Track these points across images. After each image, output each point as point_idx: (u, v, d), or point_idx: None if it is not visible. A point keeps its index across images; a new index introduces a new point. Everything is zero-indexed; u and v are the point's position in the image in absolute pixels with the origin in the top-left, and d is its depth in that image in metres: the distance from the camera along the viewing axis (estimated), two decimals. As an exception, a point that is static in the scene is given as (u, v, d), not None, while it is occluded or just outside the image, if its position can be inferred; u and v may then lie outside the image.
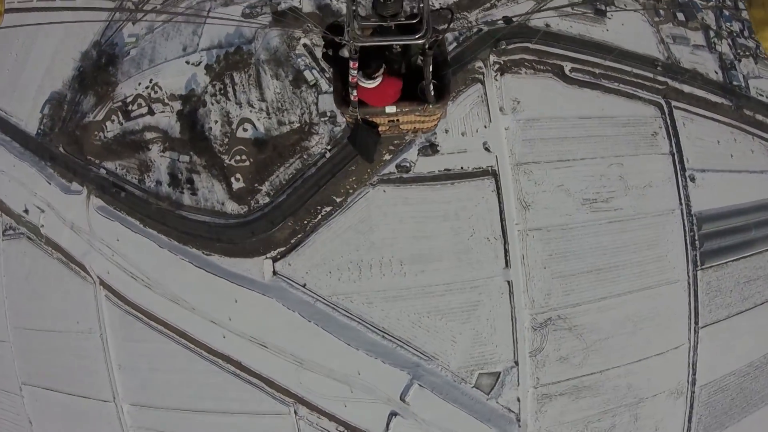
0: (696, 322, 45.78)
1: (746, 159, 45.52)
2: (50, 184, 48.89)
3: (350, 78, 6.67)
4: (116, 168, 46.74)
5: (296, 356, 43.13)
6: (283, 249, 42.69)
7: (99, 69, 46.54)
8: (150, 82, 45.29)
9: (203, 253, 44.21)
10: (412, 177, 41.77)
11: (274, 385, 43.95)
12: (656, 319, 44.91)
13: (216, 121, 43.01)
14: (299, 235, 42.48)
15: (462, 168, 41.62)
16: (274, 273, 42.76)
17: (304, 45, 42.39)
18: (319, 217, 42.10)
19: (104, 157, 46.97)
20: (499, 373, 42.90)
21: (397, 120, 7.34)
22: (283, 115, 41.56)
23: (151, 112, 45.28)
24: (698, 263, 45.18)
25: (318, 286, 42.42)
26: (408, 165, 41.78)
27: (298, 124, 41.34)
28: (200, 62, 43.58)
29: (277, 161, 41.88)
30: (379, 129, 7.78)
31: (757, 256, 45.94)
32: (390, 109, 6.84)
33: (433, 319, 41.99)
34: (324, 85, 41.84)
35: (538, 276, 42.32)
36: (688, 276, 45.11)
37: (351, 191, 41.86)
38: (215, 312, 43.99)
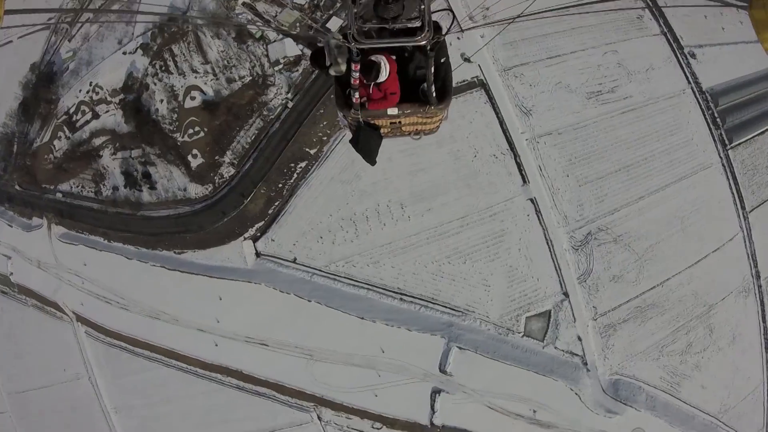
0: (743, 207, 29.01)
1: (738, 30, 30.17)
2: (12, 226, 32.64)
3: (352, 81, 4.49)
4: (71, 187, 30.46)
5: (303, 348, 25.68)
6: (261, 224, 26.05)
7: (39, 90, 31.02)
8: (90, 85, 29.81)
9: (174, 252, 27.49)
10: (391, 106, 25.74)
11: (286, 390, 26.23)
12: (702, 210, 28.17)
13: (161, 100, 27.30)
14: (276, 203, 25.95)
15: (445, 82, 25.76)
16: (257, 254, 25.93)
17: (244, 3, 27.13)
18: (295, 176, 25.75)
19: (58, 180, 30.94)
20: (549, 311, 25.59)
21: (400, 122, 5.05)
22: (231, 72, 25.99)
23: (95, 116, 29.59)
24: (726, 142, 28.91)
25: (311, 257, 25.50)
26: (383, 94, 25.79)
27: (250, 78, 25.69)
28: (137, 48, 28.13)
29: (235, 124, 25.85)
30: (382, 131, 5.20)
31: (779, 127, 29.69)
32: (392, 111, 4.71)
33: (455, 265, 24.98)
34: (272, 35, 26.33)
35: (563, 186, 25.76)
36: (720, 157, 28.75)
37: (325, 138, 25.70)
38: (200, 317, 26.78)
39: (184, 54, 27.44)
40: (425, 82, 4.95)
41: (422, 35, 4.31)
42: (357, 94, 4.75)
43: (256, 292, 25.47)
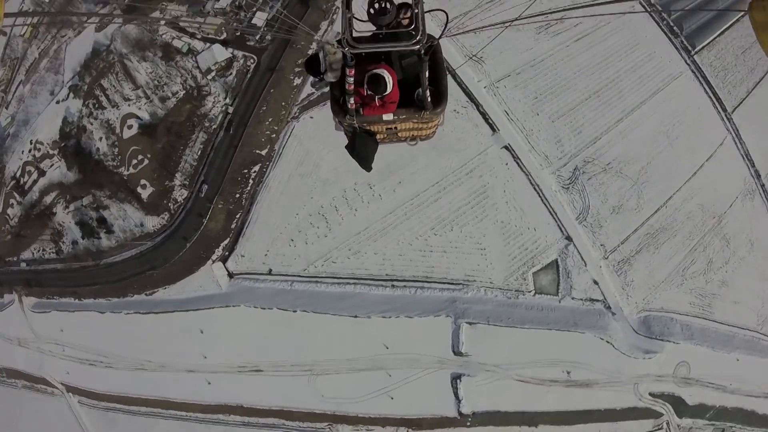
0: (723, 109, 24.07)
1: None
2: (-14, 309, 27.11)
3: (347, 86, 3.78)
4: (33, 253, 25.18)
5: (300, 364, 20.16)
6: (227, 241, 20.84)
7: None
8: (31, 143, 24.93)
9: (145, 294, 22.18)
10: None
11: (295, 414, 20.60)
12: (684, 121, 23.19)
13: (100, 138, 22.50)
14: (237, 216, 20.77)
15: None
16: (230, 275, 20.65)
17: (166, 23, 22.43)
18: (251, 182, 20.65)
19: (19, 249, 25.73)
20: (556, 261, 20.30)
21: (395, 128, 4.35)
22: (163, 90, 21.27)
23: (41, 173, 24.66)
24: (689, 48, 24.02)
25: (286, 264, 20.25)
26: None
27: (184, 92, 21.00)
28: (68, 93, 23.30)
29: (178, 144, 20.96)
30: (377, 137, 4.45)
31: (737, 25, 24.88)
32: (387, 116, 4.03)
33: (442, 234, 19.75)
34: (199, 44, 21.56)
35: (535, 126, 20.78)
36: (688, 64, 23.98)
37: (274, 136, 20.68)
38: (186, 357, 21.32)
39: (114, 85, 22.63)
40: (420, 87, 4.14)
41: (416, 39, 3.55)
42: (352, 100, 3.93)
43: (237, 315, 20.09)
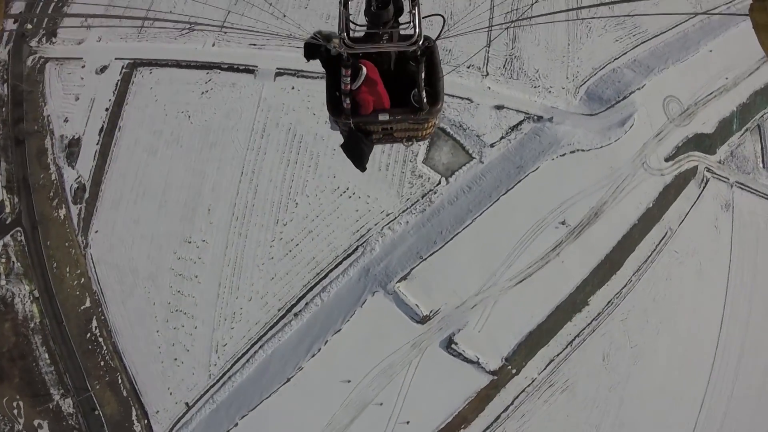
0: None
1: None
2: None
3: (343, 86, 3.82)
4: None
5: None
6: (135, 412, 16.64)
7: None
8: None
9: None
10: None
11: None
12: None
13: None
14: (120, 382, 16.73)
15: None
16: (162, 439, 16.20)
17: None
18: (100, 339, 16.67)
19: None
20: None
21: (391, 128, 4.36)
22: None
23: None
24: None
25: (192, 386, 15.86)
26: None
27: (-10, 317, 17.36)
28: None
29: (28, 363, 17.81)
30: (373, 137, 4.50)
31: None
32: (383, 116, 4.05)
33: (291, 218, 14.63)
34: None
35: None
36: None
37: (84, 280, 16.95)
38: None
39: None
40: (416, 88, 4.06)
41: (413, 40, 3.61)
42: (348, 100, 3.92)
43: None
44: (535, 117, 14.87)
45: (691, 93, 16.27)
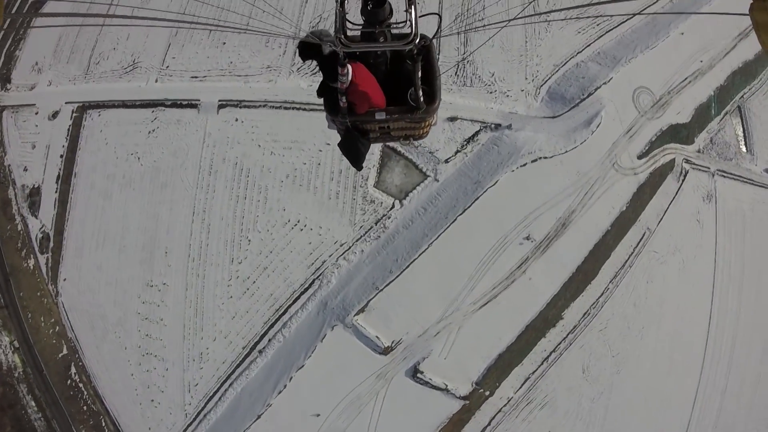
0: None
1: None
2: None
3: (339, 85, 3.83)
4: None
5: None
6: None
7: None
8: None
9: None
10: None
11: None
12: None
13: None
14: (102, 423, 16.69)
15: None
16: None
17: None
18: (80, 385, 16.68)
19: None
20: (380, 154, 13.66)
21: (388, 127, 4.41)
22: (-34, 386, 18.03)
23: None
24: None
25: (171, 426, 15.68)
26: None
27: (-23, 369, 17.58)
28: None
29: (17, 412, 17.79)
30: (370, 136, 4.56)
31: None
32: (380, 115, 4.06)
33: (245, 256, 14.20)
34: None
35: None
36: None
37: (59, 328, 16.91)
38: None
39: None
40: (413, 87, 4.07)
41: (409, 39, 3.60)
42: (344, 99, 3.92)
43: None
44: (492, 125, 13.98)
45: (663, 81, 15.09)
